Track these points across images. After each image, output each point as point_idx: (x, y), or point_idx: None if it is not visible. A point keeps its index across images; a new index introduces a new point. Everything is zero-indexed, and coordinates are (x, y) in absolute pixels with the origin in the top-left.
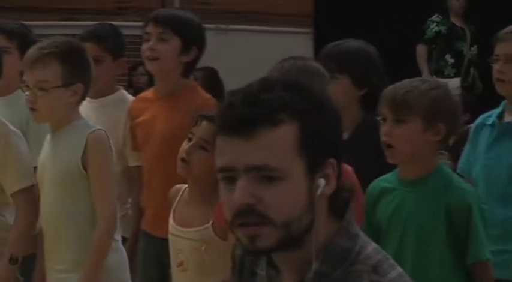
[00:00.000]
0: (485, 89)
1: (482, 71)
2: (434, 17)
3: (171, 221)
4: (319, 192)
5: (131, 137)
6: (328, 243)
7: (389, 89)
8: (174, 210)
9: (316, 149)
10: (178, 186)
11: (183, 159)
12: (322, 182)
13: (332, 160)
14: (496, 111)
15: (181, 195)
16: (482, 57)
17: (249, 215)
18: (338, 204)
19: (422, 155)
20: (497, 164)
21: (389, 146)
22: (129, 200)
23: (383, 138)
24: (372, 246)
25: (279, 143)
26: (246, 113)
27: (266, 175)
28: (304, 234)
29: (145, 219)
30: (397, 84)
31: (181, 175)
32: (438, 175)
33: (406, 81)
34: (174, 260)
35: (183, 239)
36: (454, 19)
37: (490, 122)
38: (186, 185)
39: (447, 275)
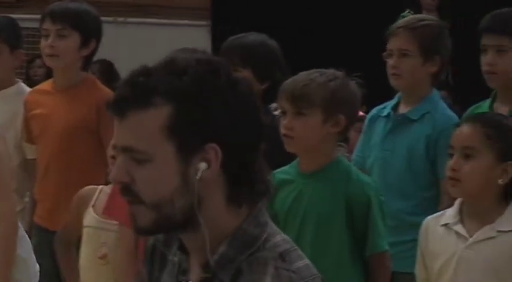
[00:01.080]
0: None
1: (457, 67)
2: (406, 13)
3: (91, 214)
4: (198, 175)
5: (26, 129)
6: (236, 229)
7: (288, 82)
8: (93, 206)
9: (192, 133)
10: (92, 186)
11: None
12: (202, 165)
13: (213, 145)
14: (391, 103)
15: (101, 191)
16: (457, 53)
17: (126, 193)
18: (238, 191)
19: (321, 146)
20: (392, 155)
21: (290, 138)
22: (28, 193)
23: (283, 131)
24: (280, 236)
25: (146, 125)
26: (121, 94)
27: (134, 157)
28: (190, 217)
29: (39, 213)
30: (295, 77)
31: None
32: (337, 167)
33: (304, 74)
34: (93, 253)
35: (108, 231)
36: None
37: (384, 113)
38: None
39: (345, 265)
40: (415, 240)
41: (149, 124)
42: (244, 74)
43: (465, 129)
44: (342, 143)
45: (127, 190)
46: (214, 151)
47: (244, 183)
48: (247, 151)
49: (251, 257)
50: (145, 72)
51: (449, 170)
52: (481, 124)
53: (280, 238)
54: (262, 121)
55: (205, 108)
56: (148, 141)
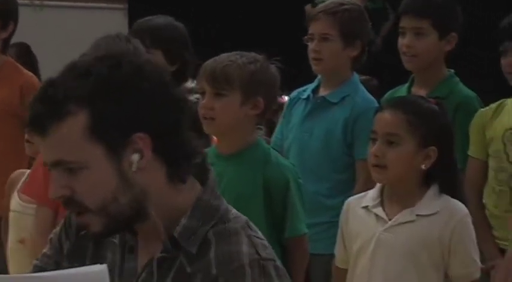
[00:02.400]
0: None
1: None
2: None
3: (15, 198)
4: (134, 168)
5: None
6: (196, 201)
7: (209, 62)
8: (18, 190)
9: (114, 130)
10: (21, 170)
11: None
12: (135, 157)
13: (139, 134)
14: (311, 86)
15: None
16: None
17: (69, 206)
18: (177, 168)
19: (240, 128)
20: (310, 137)
21: (209, 119)
22: None
23: (202, 111)
24: (234, 209)
25: (68, 135)
26: (35, 112)
27: (67, 167)
28: (139, 209)
29: None
30: (216, 58)
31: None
32: (256, 149)
33: (225, 55)
34: (15, 238)
35: (29, 215)
36: None
37: (305, 96)
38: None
39: None
40: (330, 222)
41: (71, 133)
42: (156, 55)
43: (387, 115)
44: (261, 126)
45: (70, 202)
46: (142, 139)
47: (179, 159)
48: (172, 128)
49: (217, 228)
50: (51, 84)
51: (372, 156)
52: (402, 110)
53: (235, 211)
54: (178, 95)
55: (119, 102)
56: (76, 150)
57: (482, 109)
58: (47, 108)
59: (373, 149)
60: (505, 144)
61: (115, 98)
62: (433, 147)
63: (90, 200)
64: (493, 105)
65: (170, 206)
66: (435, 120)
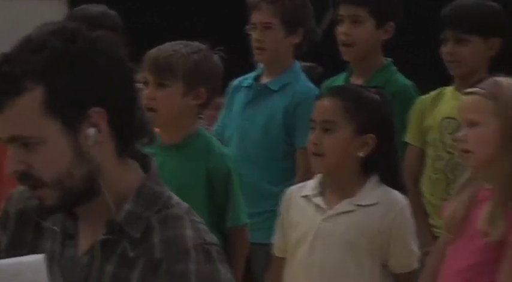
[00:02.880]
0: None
1: None
2: None
3: None
4: (90, 142)
5: None
6: (140, 186)
7: (152, 52)
8: None
9: (70, 104)
10: None
11: None
12: (91, 131)
13: (96, 108)
14: (253, 74)
15: None
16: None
17: (26, 180)
18: (127, 144)
19: (182, 119)
20: (251, 125)
21: (151, 110)
22: None
23: (145, 102)
24: (176, 196)
25: (25, 111)
26: None
27: (24, 143)
28: (91, 184)
29: None
30: (160, 47)
31: None
32: (198, 139)
33: (168, 45)
34: None
35: None
36: None
37: (246, 84)
38: None
39: None
40: (271, 211)
41: (28, 109)
42: None
43: (325, 102)
44: (202, 116)
45: (26, 177)
46: (98, 114)
47: (131, 135)
48: (127, 103)
49: (161, 214)
50: (6, 59)
51: (311, 144)
52: (340, 97)
53: (176, 197)
54: (132, 70)
55: (74, 76)
56: (33, 125)
57: (422, 96)
58: (2, 85)
59: (311, 137)
60: (442, 133)
61: (70, 72)
62: (370, 135)
63: (46, 174)
64: (433, 93)
65: (118, 184)
66: (374, 108)
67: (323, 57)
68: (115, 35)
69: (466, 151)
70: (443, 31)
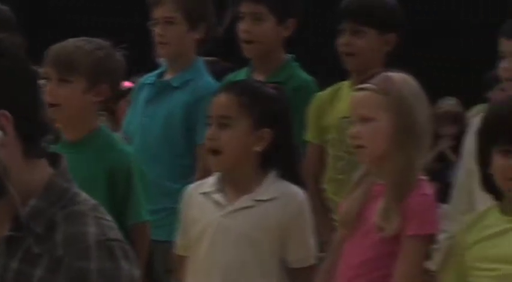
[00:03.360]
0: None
1: None
2: None
3: None
4: None
5: None
6: (47, 183)
7: (54, 48)
8: None
9: None
10: None
11: None
12: None
13: (2, 112)
14: (157, 71)
15: None
16: None
17: None
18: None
19: (84, 115)
20: (152, 121)
21: (53, 105)
22: None
23: (48, 99)
24: (84, 193)
25: None
26: None
27: None
28: (2, 185)
29: None
30: (62, 43)
31: None
32: (99, 136)
33: (71, 41)
34: None
35: None
36: None
37: (149, 81)
38: None
39: None
40: (171, 209)
41: None
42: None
43: (220, 98)
44: (103, 112)
45: None
46: (4, 117)
47: (36, 135)
48: (32, 105)
49: (65, 211)
50: None
51: (207, 140)
52: (236, 92)
53: (85, 195)
54: (34, 71)
55: None
56: None
57: (319, 93)
58: None
59: (207, 133)
60: (341, 133)
61: None
62: (266, 129)
63: None
64: (330, 89)
65: (26, 183)
66: (270, 103)
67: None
68: (12, 33)
69: (360, 147)
70: (341, 23)
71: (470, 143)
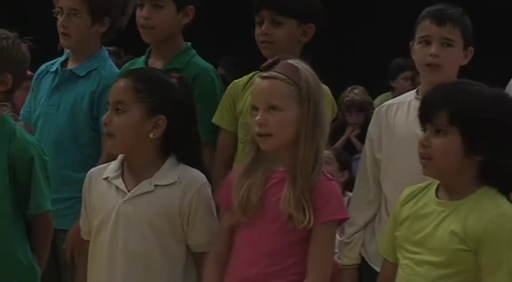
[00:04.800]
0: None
1: None
2: None
3: None
4: None
5: None
6: None
7: None
8: None
9: None
10: None
11: None
12: None
13: None
14: (60, 59)
15: None
16: None
17: None
18: None
19: None
20: (57, 111)
21: None
22: None
23: None
24: None
25: None
26: None
27: None
28: None
29: None
30: None
31: None
32: (2, 126)
33: None
34: None
35: None
36: None
37: (53, 69)
38: None
39: (7, 226)
40: (75, 198)
41: None
42: None
43: (118, 84)
44: (6, 103)
45: None
46: None
47: None
48: None
49: None
50: None
51: (103, 125)
52: (133, 79)
53: None
54: None
55: None
56: None
57: (235, 80)
58: None
59: (104, 117)
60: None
61: None
62: (161, 116)
63: None
64: (246, 77)
65: None
66: (166, 90)
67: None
68: None
69: (266, 135)
70: (259, 13)
71: (375, 131)
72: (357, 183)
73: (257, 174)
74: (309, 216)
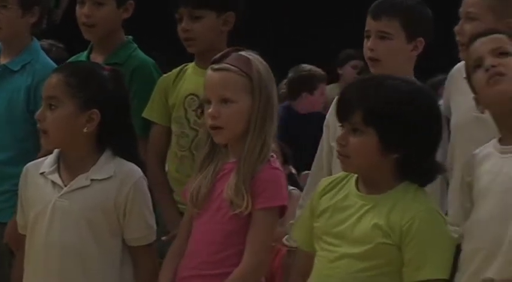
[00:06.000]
0: None
1: None
2: None
3: None
4: None
5: None
6: None
7: None
8: None
9: None
10: None
11: None
12: None
13: None
14: None
15: None
16: None
17: None
18: None
19: None
20: None
21: None
22: None
23: None
24: None
25: None
26: None
27: None
28: None
29: None
30: None
31: None
32: None
33: None
34: None
35: None
36: None
37: None
38: None
39: None
40: (13, 191)
41: None
42: None
43: (51, 79)
44: None
45: None
46: None
47: None
48: None
49: None
50: None
51: (37, 121)
52: (65, 73)
53: None
54: None
55: None
56: None
57: (165, 74)
58: None
59: (37, 113)
60: (186, 110)
61: None
62: (95, 110)
63: None
64: (175, 71)
65: None
66: (99, 84)
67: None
68: None
69: (218, 127)
70: (177, 10)
71: (332, 118)
72: (312, 169)
73: (210, 167)
74: (247, 202)
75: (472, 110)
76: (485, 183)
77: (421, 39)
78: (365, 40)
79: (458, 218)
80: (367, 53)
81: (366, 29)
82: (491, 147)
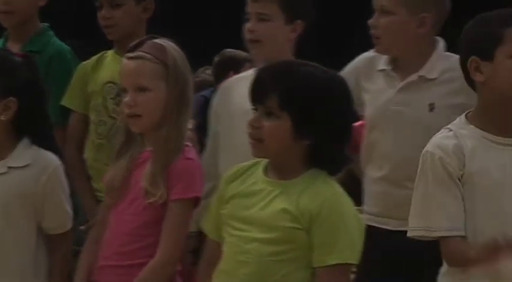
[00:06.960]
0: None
1: None
2: None
3: None
4: None
5: None
6: None
7: None
8: None
9: None
10: None
11: None
12: None
13: None
14: None
15: None
16: None
17: None
18: None
19: None
20: None
21: None
22: None
23: None
24: None
25: None
26: None
27: None
28: None
29: None
30: None
31: None
32: None
33: None
34: None
35: None
36: None
37: None
38: None
39: None
40: None
41: None
42: None
43: None
44: None
45: None
46: None
47: None
48: None
49: None
50: None
51: None
52: None
53: None
54: None
55: None
56: None
57: (83, 62)
58: None
59: None
60: (104, 98)
61: None
62: (12, 98)
63: None
64: (94, 58)
65: None
66: (14, 72)
67: None
68: None
69: (135, 116)
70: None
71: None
72: (203, 156)
73: (126, 156)
74: (162, 192)
75: (391, 103)
76: (498, 176)
77: (300, 21)
78: (245, 23)
79: (457, 215)
80: (247, 35)
81: (246, 11)
82: (476, 139)
